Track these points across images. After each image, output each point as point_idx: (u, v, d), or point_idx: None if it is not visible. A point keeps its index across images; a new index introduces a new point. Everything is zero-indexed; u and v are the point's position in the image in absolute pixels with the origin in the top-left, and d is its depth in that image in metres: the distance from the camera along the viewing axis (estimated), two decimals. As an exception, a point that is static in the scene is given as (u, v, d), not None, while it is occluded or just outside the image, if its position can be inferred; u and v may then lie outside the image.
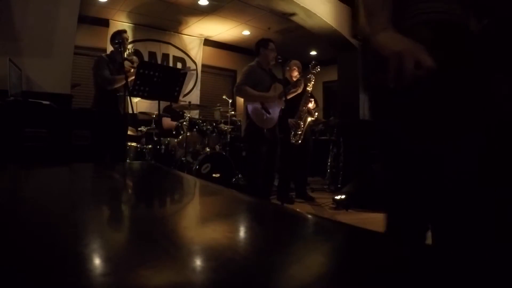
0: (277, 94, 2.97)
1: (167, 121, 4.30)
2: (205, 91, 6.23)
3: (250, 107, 2.91)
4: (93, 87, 3.00)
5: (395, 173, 0.92)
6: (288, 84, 3.32)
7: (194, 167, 3.61)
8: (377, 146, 0.97)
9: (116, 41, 2.83)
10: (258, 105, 2.90)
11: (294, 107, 3.54)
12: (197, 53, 6.03)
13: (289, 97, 3.23)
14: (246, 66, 3.01)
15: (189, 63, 5.97)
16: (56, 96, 2.55)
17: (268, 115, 2.93)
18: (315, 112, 3.79)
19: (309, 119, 3.72)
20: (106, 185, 0.89)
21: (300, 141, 3.59)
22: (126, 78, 2.68)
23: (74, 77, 3.04)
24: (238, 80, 2.99)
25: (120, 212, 0.56)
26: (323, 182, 4.93)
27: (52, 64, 2.72)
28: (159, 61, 5.53)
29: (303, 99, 3.60)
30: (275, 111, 2.97)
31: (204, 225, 0.49)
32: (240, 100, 6.17)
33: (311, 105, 3.71)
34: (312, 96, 3.76)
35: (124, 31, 3.05)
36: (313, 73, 3.25)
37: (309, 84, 3.59)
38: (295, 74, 3.77)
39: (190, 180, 1.09)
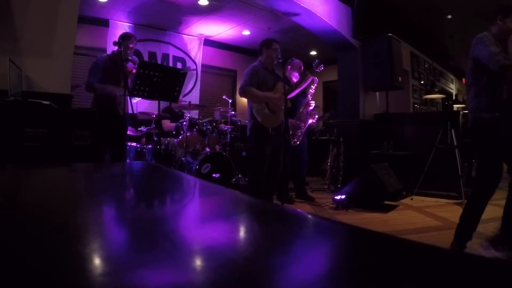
0: (281, 94, 2.97)
1: (166, 124, 4.30)
2: (205, 91, 6.23)
3: (254, 107, 2.90)
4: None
5: None
6: (289, 84, 3.32)
7: (194, 167, 3.61)
8: None
9: (116, 41, 2.82)
10: (262, 105, 2.90)
11: (295, 108, 3.54)
12: (197, 53, 6.03)
13: (293, 94, 3.24)
14: (249, 67, 3.00)
15: (189, 63, 5.97)
16: (56, 96, 2.55)
17: (272, 114, 2.93)
18: (315, 114, 3.79)
19: (310, 121, 3.72)
20: (106, 185, 0.89)
21: (298, 142, 3.59)
22: (126, 80, 2.67)
23: (74, 77, 3.03)
24: (241, 81, 2.98)
25: (120, 212, 0.56)
26: (323, 182, 4.93)
27: (52, 64, 2.72)
28: (159, 61, 5.52)
29: (305, 100, 3.59)
30: (280, 110, 2.97)
31: (204, 225, 0.49)
32: (240, 100, 6.18)
33: (311, 107, 3.71)
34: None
35: (133, 39, 2.99)
36: (317, 72, 3.25)
37: (312, 86, 3.58)
38: (296, 74, 3.78)
39: (190, 180, 1.09)
